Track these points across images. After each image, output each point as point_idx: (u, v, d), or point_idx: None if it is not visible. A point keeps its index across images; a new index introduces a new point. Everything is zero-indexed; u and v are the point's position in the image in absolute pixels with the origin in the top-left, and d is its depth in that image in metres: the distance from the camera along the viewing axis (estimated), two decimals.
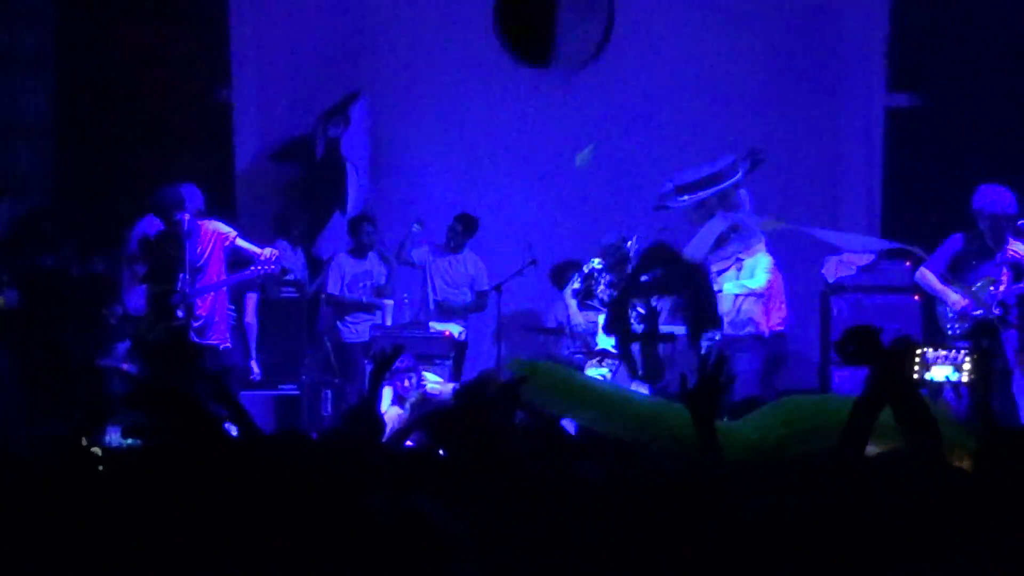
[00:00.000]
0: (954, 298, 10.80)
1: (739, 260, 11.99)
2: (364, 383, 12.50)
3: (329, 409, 12.66)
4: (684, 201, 12.10)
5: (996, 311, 10.77)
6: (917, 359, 4.93)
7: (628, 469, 4.73)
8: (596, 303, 11.35)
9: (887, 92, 14.18)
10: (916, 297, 12.47)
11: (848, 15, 14.16)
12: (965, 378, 5.24)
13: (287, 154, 14.01)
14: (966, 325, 10.79)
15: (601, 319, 11.18)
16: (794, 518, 3.83)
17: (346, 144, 13.68)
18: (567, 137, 13.74)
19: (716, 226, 11.78)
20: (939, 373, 5.26)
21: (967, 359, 5.18)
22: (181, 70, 13.93)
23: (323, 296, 13.35)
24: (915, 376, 4.98)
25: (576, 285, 11.56)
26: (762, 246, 12.09)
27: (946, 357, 5.19)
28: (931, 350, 5.15)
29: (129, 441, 5.36)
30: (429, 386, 11.55)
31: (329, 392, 12.81)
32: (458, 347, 12.98)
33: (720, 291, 11.55)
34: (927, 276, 10.99)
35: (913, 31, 13.94)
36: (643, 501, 4.21)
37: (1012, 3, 13.47)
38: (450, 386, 11.78)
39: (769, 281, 11.92)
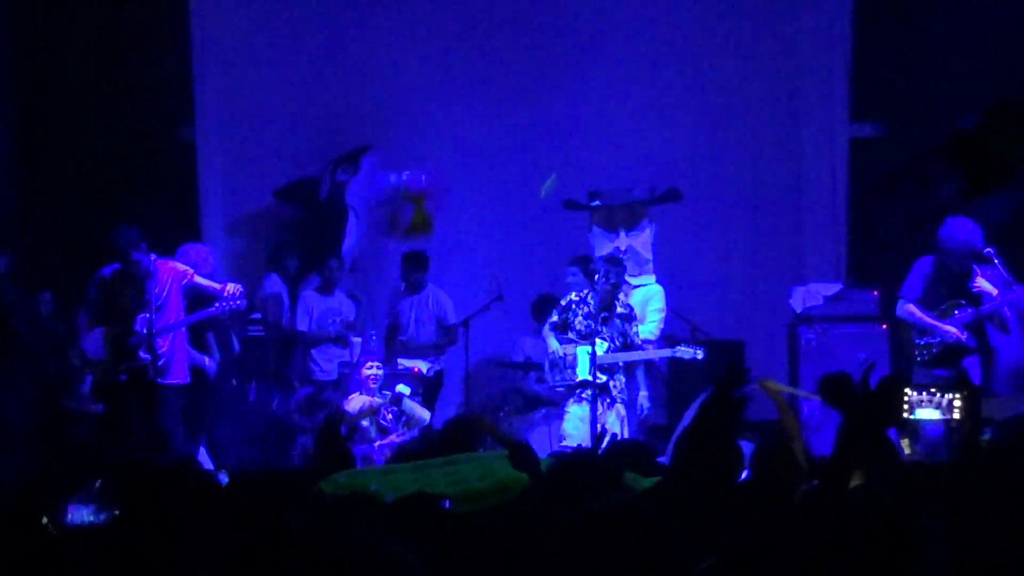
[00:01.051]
0: (951, 331, 10.85)
1: (626, 283, 12.07)
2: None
3: (298, 448, 12.57)
4: (593, 203, 12.31)
5: (962, 335, 10.83)
6: (905, 399, 4.94)
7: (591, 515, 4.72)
8: (574, 335, 11.38)
9: (850, 122, 14.20)
10: (884, 326, 12.48)
11: (810, 45, 14.19)
12: (957, 415, 5.22)
13: (289, 193, 13.99)
14: (934, 351, 10.85)
15: (580, 351, 11.23)
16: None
17: (351, 191, 13.72)
18: (531, 171, 13.76)
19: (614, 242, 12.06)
20: (924, 415, 5.25)
21: (956, 399, 5.16)
22: (144, 109, 13.87)
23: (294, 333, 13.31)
24: (903, 416, 4.98)
25: (554, 318, 11.58)
26: (652, 277, 12.20)
27: (930, 400, 5.17)
28: (915, 393, 5.14)
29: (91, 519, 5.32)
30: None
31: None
32: (426, 383, 12.94)
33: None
34: (912, 310, 11.00)
35: (875, 61, 13.96)
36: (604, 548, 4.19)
37: (973, 32, 13.49)
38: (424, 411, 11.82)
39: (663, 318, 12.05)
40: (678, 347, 11.34)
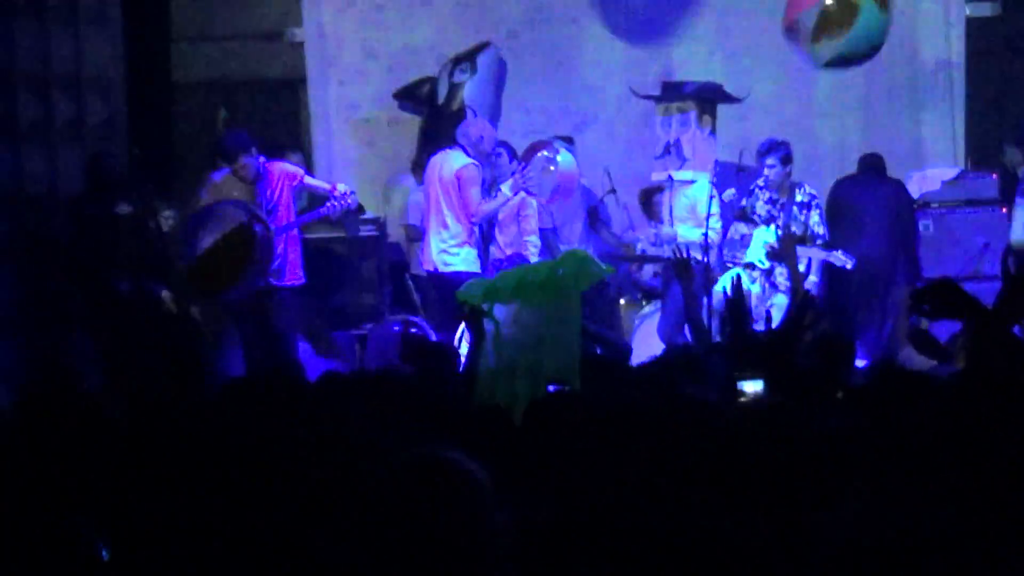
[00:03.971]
0: None
1: (670, 179, 11.91)
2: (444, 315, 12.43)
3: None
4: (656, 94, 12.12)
5: None
6: None
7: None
8: (756, 219, 11.40)
9: (967, 0, 13.88)
10: (1003, 210, 12.30)
11: None
12: None
13: (408, 95, 13.89)
14: None
15: (757, 232, 11.35)
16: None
17: (470, 92, 13.59)
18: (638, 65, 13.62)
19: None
20: None
21: None
22: (252, 11, 13.87)
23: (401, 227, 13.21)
24: None
25: (743, 203, 11.59)
26: (700, 175, 11.91)
27: None
28: None
29: None
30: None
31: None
32: None
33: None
34: None
35: None
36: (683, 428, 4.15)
37: None
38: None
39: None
40: (833, 252, 11.24)
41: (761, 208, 11.48)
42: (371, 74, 14.19)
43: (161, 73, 13.47)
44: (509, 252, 11.71)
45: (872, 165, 12.52)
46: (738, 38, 14.03)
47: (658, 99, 12.38)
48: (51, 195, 11.64)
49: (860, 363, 9.43)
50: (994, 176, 12.68)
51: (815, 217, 11.46)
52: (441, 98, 13.53)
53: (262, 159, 10.89)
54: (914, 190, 12.85)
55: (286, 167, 11.03)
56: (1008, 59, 13.89)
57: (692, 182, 11.86)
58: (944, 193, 12.76)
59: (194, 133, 12.97)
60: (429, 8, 14.20)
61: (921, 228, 12.68)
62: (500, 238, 11.91)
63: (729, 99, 12.23)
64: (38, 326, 11.38)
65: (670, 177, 11.97)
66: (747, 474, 3.79)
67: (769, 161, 11.39)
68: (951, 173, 12.97)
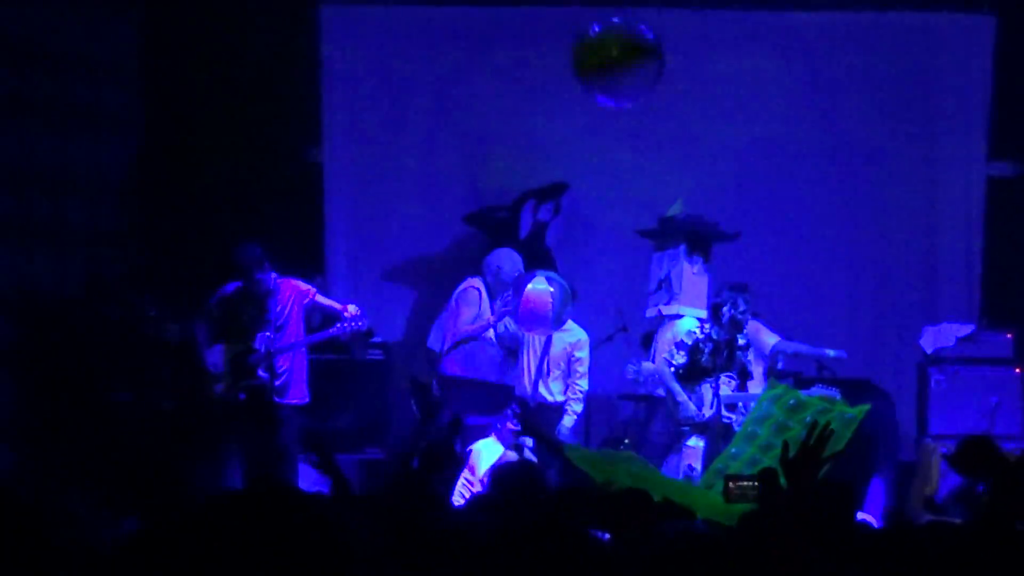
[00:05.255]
0: None
1: (660, 312, 11.92)
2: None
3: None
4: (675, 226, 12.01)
5: None
6: None
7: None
8: (698, 373, 11.22)
9: (988, 161, 13.87)
10: (1017, 370, 12.21)
11: (948, 82, 13.88)
12: None
13: (481, 221, 13.76)
14: None
15: (706, 388, 11.09)
16: None
17: (552, 233, 13.54)
18: (651, 198, 13.57)
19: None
20: None
21: None
22: (270, 128, 13.85)
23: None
24: None
25: (679, 360, 11.35)
26: (685, 308, 11.84)
27: None
28: None
29: None
30: None
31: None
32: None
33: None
34: None
35: (1015, 98, 13.62)
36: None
37: None
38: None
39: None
40: (814, 387, 11.11)
41: (709, 361, 11.23)
42: (389, 196, 14.14)
43: (178, 182, 13.45)
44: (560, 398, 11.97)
45: None
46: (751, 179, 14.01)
47: (650, 235, 12.38)
48: (60, 300, 11.61)
49: (868, 517, 9.29)
50: (1009, 336, 12.60)
51: (751, 355, 11.34)
52: (524, 233, 13.42)
53: (274, 275, 10.85)
54: (928, 344, 12.76)
55: (299, 284, 11.00)
56: None
57: (679, 316, 11.76)
58: (958, 349, 12.67)
59: (208, 243, 12.88)
60: (449, 138, 14.18)
61: (933, 384, 12.59)
62: (550, 378, 11.93)
63: (721, 235, 12.14)
64: (27, 435, 11.29)
65: (659, 312, 11.92)
66: None
67: (747, 298, 11.29)
68: (966, 330, 12.88)
